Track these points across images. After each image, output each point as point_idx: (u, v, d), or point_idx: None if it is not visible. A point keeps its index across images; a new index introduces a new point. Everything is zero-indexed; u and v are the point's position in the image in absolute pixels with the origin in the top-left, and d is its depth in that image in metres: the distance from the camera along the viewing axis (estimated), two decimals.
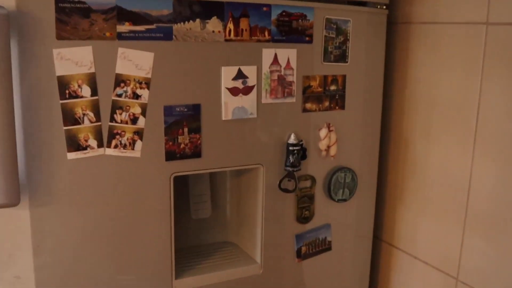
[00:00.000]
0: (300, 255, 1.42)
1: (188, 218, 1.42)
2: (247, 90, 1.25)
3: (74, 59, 1.07)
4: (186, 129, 1.20)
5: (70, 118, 1.09)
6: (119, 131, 1.15)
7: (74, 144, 1.11)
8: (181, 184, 1.39)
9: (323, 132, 1.37)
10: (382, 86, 1.47)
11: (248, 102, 1.26)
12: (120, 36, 1.09)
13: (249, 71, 1.24)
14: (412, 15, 1.45)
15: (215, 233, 1.48)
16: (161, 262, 1.24)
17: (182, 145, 1.21)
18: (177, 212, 1.38)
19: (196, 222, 1.44)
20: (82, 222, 1.14)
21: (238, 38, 1.22)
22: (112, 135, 1.14)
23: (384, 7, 1.41)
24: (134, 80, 1.14)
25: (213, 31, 1.19)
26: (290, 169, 1.32)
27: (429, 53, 1.41)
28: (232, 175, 1.45)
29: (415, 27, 1.44)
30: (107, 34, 1.09)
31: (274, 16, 1.25)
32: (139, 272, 1.22)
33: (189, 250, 1.42)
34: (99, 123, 1.13)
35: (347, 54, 1.37)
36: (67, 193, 1.11)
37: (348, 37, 1.36)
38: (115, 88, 1.12)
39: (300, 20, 1.28)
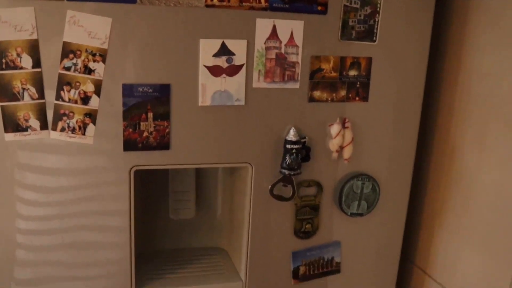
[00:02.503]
0: (297, 276, 1.20)
1: (169, 217, 1.25)
2: (233, 70, 1.04)
3: (12, 22, 0.94)
4: (150, 114, 1.02)
5: (7, 92, 0.97)
6: (67, 112, 0.99)
7: (12, 124, 0.99)
8: (162, 177, 1.22)
9: (335, 129, 1.12)
10: (424, 75, 1.19)
11: (233, 85, 1.04)
12: None
13: (237, 46, 1.03)
14: None
15: (202, 237, 1.30)
16: (119, 268, 1.10)
17: (145, 134, 1.03)
18: (154, 210, 1.23)
19: (180, 222, 1.26)
20: (20, 218, 1.02)
21: (224, 3, 1.01)
22: (58, 116, 0.99)
23: None
24: (86, 51, 0.97)
25: None
26: (287, 172, 1.10)
27: (495, 36, 1.12)
28: (225, 171, 1.25)
29: None
30: None
31: None
32: (94, 279, 1.09)
33: (167, 254, 1.25)
34: (42, 101, 0.98)
35: (375, 30, 1.10)
36: (2, 181, 1.00)
37: (378, 8, 1.09)
38: (62, 60, 0.97)
39: None
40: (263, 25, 1.03)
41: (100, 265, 1.09)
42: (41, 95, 0.98)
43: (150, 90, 1.01)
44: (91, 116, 1.00)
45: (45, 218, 1.03)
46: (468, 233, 1.20)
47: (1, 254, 1.03)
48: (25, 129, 0.98)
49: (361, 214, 1.21)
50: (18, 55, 0.95)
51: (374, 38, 1.11)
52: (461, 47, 1.19)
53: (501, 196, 1.11)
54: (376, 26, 1.10)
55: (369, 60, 1.12)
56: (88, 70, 0.98)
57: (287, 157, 1.09)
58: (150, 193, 1.23)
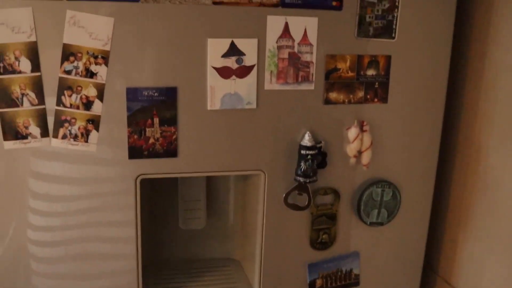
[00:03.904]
0: None
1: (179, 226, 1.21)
2: (243, 72, 1.00)
3: (9, 24, 0.91)
4: (156, 120, 0.99)
5: (5, 98, 0.94)
6: (69, 118, 0.96)
7: (12, 131, 0.96)
8: (171, 185, 1.18)
9: (352, 133, 1.08)
10: (447, 71, 1.14)
11: (244, 87, 1.01)
12: None
13: (247, 45, 0.99)
14: None
15: (213, 247, 1.26)
16: (126, 280, 1.07)
17: (152, 140, 0.99)
18: (163, 219, 1.20)
19: (191, 232, 1.23)
20: (20, 230, 1.00)
21: (232, 0, 0.96)
22: (59, 123, 0.96)
23: None
24: (88, 53, 0.94)
25: None
26: (302, 179, 1.06)
27: None
28: (237, 178, 1.21)
29: None
30: None
31: None
32: None
33: (177, 265, 1.22)
34: (42, 106, 0.95)
35: (394, 26, 1.06)
36: (2, 191, 0.97)
37: (397, 3, 1.05)
38: (62, 63, 0.93)
39: None
40: (274, 23, 0.99)
41: (107, 277, 1.06)
42: (41, 100, 0.94)
43: (156, 94, 0.97)
44: (94, 122, 0.97)
45: (49, 229, 1.01)
46: (494, 241, 1.15)
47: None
48: (25, 137, 0.95)
49: (381, 223, 1.16)
50: (16, 58, 0.92)
51: (393, 35, 1.07)
52: (485, 42, 1.14)
53: None
54: (395, 22, 1.06)
55: (388, 58, 1.08)
56: (90, 74, 0.95)
57: (302, 164, 1.05)
58: (159, 201, 1.20)
